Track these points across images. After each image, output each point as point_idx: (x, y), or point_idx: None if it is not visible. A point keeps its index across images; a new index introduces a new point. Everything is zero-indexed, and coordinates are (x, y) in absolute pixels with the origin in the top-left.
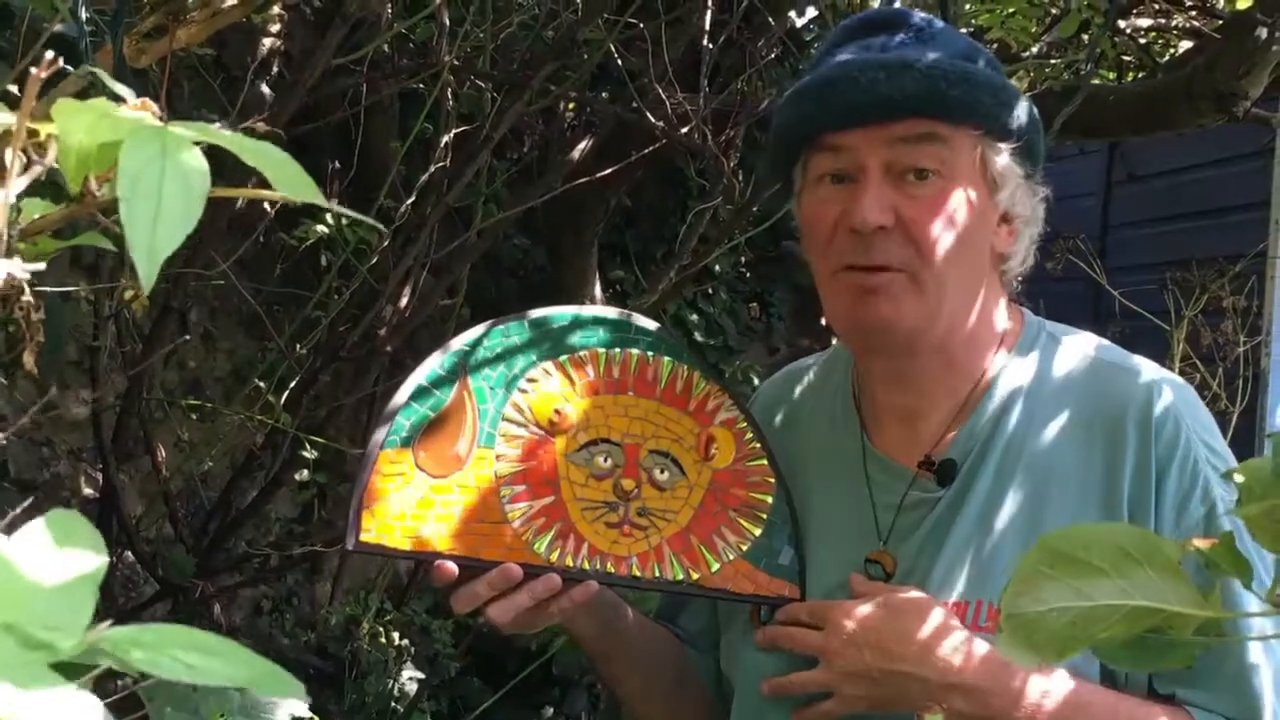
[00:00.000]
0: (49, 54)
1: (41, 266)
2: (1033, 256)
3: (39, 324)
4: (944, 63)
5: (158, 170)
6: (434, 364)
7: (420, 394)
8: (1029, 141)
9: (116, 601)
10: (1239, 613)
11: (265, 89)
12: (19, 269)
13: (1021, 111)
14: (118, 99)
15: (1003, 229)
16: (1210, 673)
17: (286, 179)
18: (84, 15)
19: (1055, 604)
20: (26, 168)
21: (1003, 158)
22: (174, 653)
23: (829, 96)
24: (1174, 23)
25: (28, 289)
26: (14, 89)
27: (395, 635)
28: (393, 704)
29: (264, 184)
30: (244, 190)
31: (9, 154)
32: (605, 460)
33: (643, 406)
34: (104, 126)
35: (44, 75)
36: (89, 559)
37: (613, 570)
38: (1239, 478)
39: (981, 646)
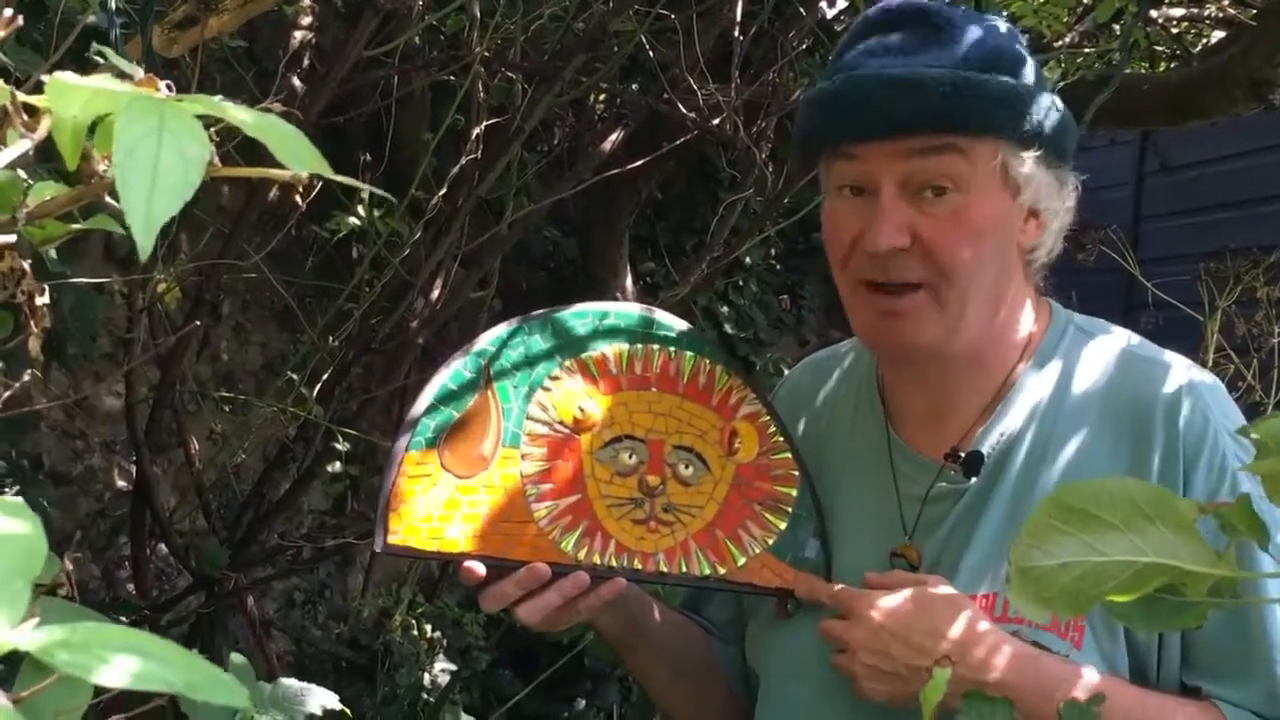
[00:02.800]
0: (7, 11)
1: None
2: (1060, 244)
3: (43, 310)
4: (959, 77)
5: (154, 141)
6: (457, 364)
7: (445, 395)
8: (1055, 142)
9: (150, 594)
10: (1255, 573)
11: (297, 81)
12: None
13: (1045, 115)
14: (125, 77)
15: (1030, 224)
16: (1239, 665)
17: (293, 153)
18: (114, 6)
19: (1066, 558)
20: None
21: (1025, 164)
22: (105, 655)
23: (843, 109)
24: (1206, 12)
25: (29, 271)
26: (44, 78)
27: (427, 628)
28: (424, 696)
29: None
30: (251, 170)
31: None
32: (630, 457)
33: (666, 402)
34: (99, 100)
35: (2, 33)
36: (23, 551)
37: (640, 567)
38: (1255, 435)
39: (1012, 643)
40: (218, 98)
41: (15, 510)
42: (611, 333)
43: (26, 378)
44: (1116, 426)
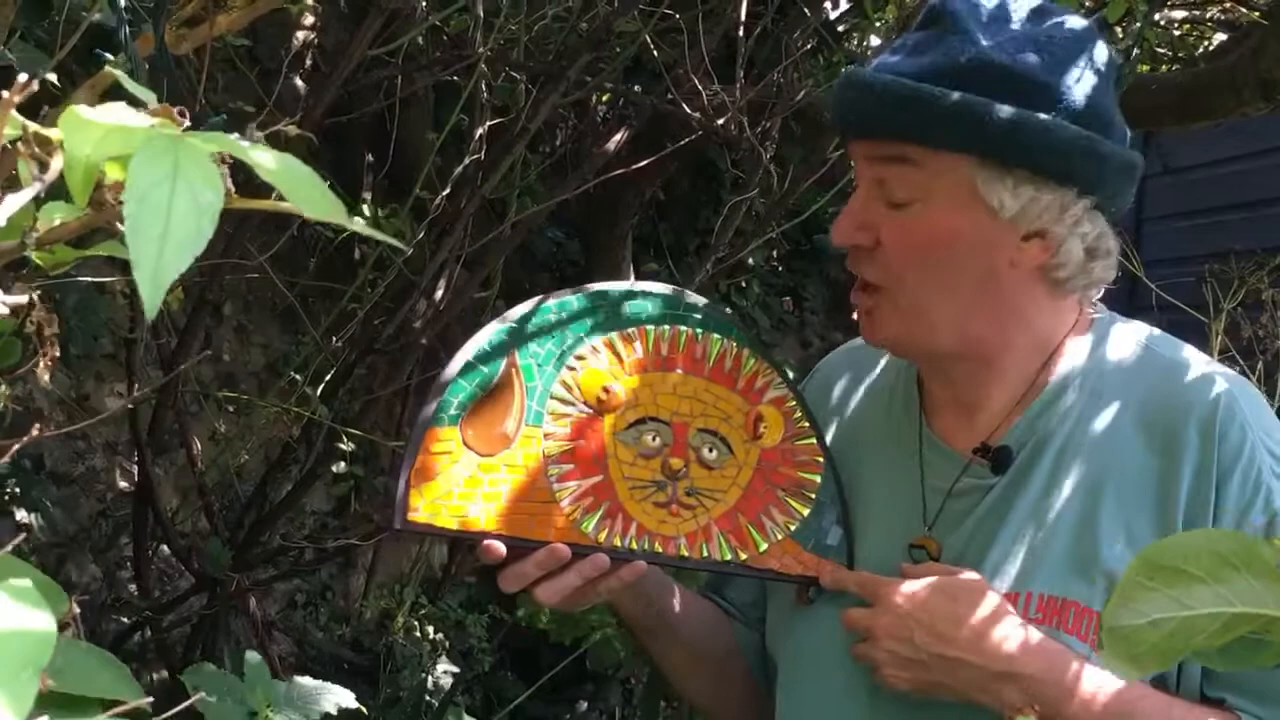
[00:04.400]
0: (22, 76)
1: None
2: (1106, 268)
3: (53, 338)
4: (907, 88)
5: (168, 188)
6: (482, 340)
7: (468, 371)
8: (1046, 164)
9: (152, 595)
10: None
11: (299, 82)
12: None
13: (1024, 134)
14: (138, 103)
15: (1033, 244)
16: (1264, 685)
17: (307, 196)
18: (123, 2)
19: (1154, 615)
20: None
21: (997, 182)
22: None
23: (834, 104)
24: (1209, 15)
25: (39, 303)
26: (52, 78)
27: (429, 629)
28: (427, 698)
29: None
30: (265, 203)
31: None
32: (654, 439)
33: (691, 384)
34: (114, 140)
35: (17, 99)
36: (34, 641)
37: (660, 550)
38: None
39: (1036, 635)
40: (225, 134)
41: (28, 597)
42: (638, 313)
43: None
44: (1150, 432)
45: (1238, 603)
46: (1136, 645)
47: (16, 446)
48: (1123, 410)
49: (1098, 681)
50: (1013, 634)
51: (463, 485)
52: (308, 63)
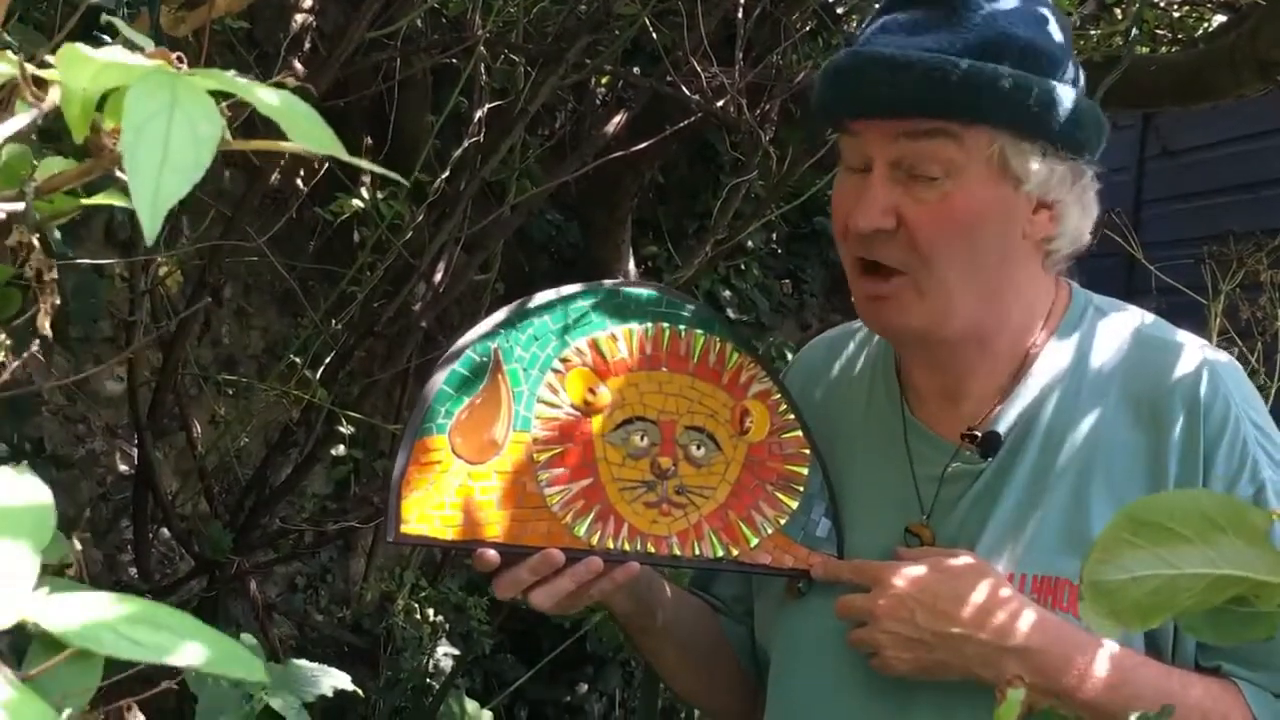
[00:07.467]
0: None
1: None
2: (1086, 235)
3: (52, 283)
4: (948, 63)
5: (165, 119)
6: (466, 347)
7: (455, 380)
8: (1066, 136)
9: (152, 578)
10: None
11: (298, 65)
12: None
13: (1051, 107)
14: (135, 49)
15: (1042, 215)
16: (1260, 654)
17: (308, 133)
18: None
19: (1138, 572)
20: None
21: (1026, 155)
22: (118, 627)
23: (842, 85)
24: None
25: (39, 244)
26: (50, 59)
27: (430, 612)
28: (427, 680)
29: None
30: (263, 143)
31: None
32: (642, 439)
33: (676, 382)
34: (111, 73)
35: None
36: (32, 520)
37: (653, 550)
38: None
39: (1036, 610)
40: (231, 72)
41: (24, 480)
42: (621, 312)
43: (28, 354)
44: (1136, 409)
45: (1224, 565)
46: (1119, 601)
47: None
48: (1108, 388)
49: (1097, 654)
50: (1014, 609)
51: (454, 494)
52: (306, 45)
